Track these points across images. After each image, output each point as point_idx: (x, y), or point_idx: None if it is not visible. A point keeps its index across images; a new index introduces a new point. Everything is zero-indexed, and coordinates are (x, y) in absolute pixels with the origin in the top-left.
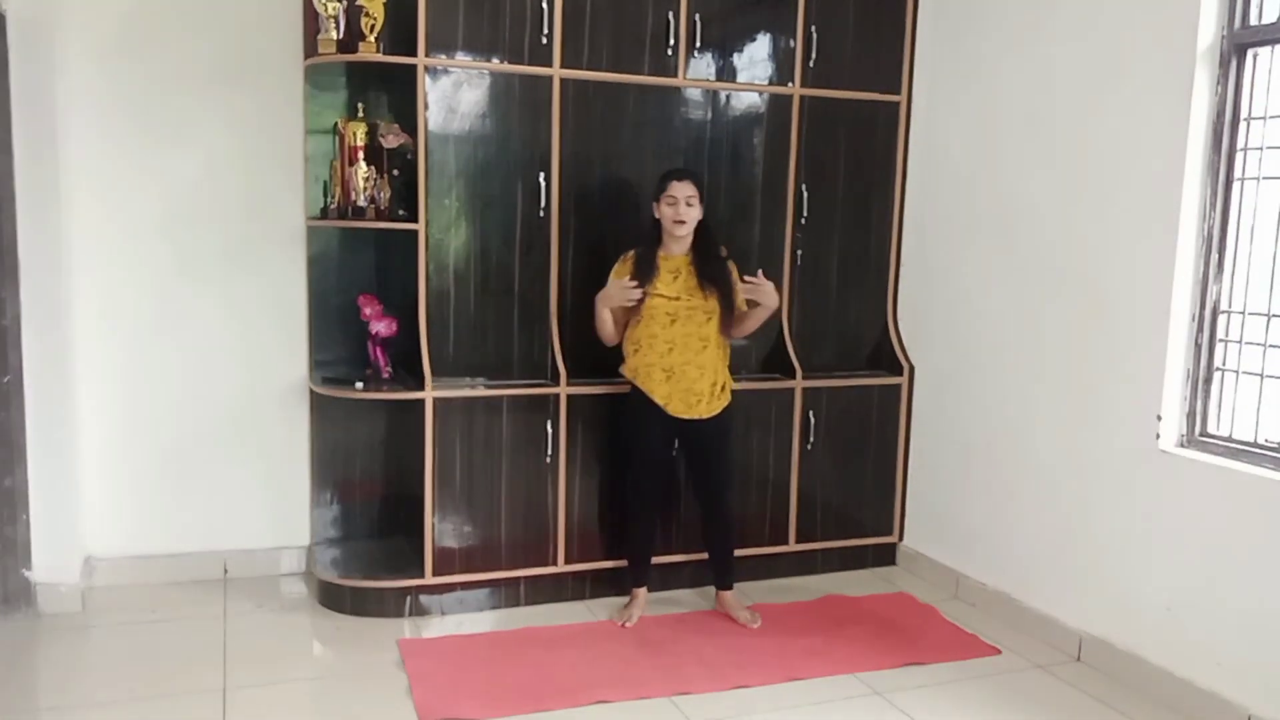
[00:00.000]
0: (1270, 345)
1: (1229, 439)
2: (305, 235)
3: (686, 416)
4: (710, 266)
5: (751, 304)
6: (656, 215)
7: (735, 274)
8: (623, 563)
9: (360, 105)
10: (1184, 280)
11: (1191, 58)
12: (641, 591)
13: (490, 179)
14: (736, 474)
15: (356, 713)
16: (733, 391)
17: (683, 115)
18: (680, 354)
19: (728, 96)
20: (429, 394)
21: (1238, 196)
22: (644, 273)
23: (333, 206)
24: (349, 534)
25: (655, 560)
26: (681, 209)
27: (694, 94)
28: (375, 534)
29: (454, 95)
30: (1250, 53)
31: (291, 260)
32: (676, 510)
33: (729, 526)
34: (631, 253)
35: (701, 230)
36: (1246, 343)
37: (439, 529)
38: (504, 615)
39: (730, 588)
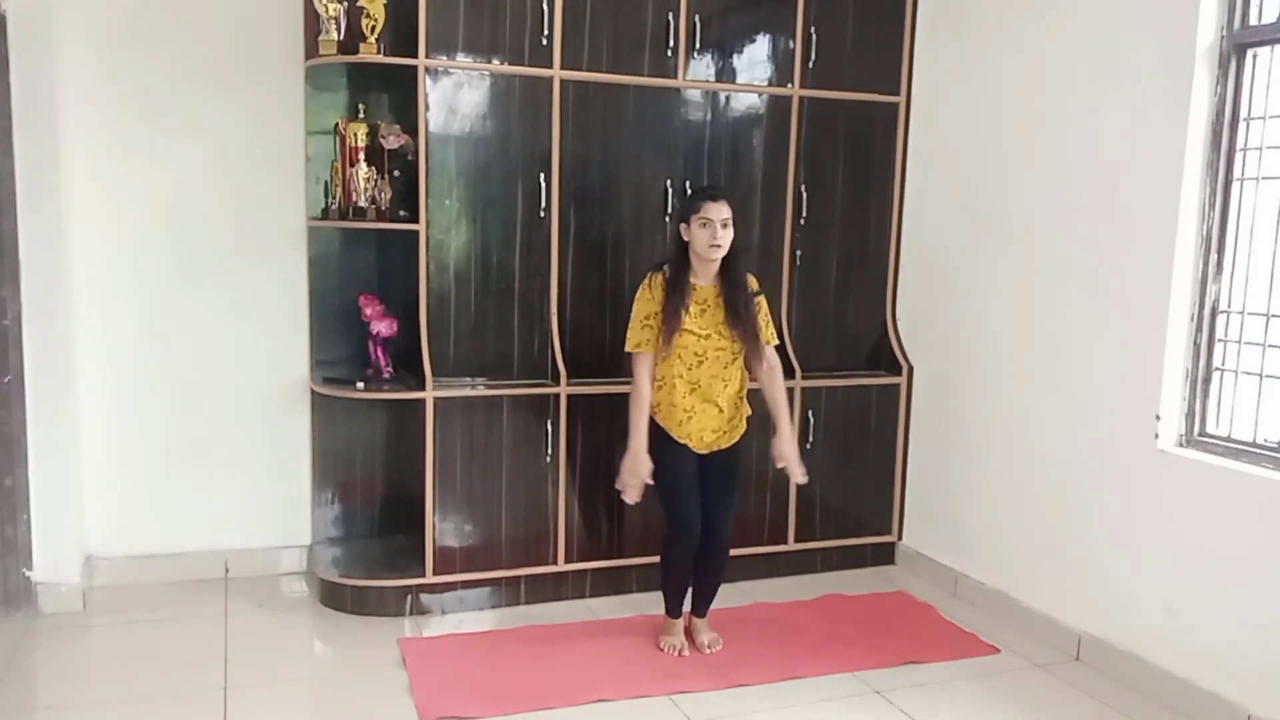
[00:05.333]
0: (1269, 345)
1: (1228, 439)
2: (306, 236)
3: (704, 453)
4: (738, 300)
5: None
6: (685, 237)
7: (765, 309)
8: (622, 561)
9: (361, 106)
10: (1183, 280)
11: (1191, 58)
12: (679, 621)
13: (490, 179)
14: (737, 506)
15: (357, 712)
16: (746, 418)
17: (682, 116)
18: (704, 395)
19: (727, 97)
20: (429, 394)
21: (1237, 196)
22: (676, 302)
23: (334, 207)
24: (350, 533)
25: (654, 559)
26: (718, 232)
27: (694, 95)
28: (376, 533)
29: (454, 96)
30: (1250, 53)
31: (292, 261)
32: None
33: (724, 558)
34: (659, 275)
35: (731, 256)
36: (1245, 343)
37: (439, 528)
38: (504, 614)
39: (704, 616)
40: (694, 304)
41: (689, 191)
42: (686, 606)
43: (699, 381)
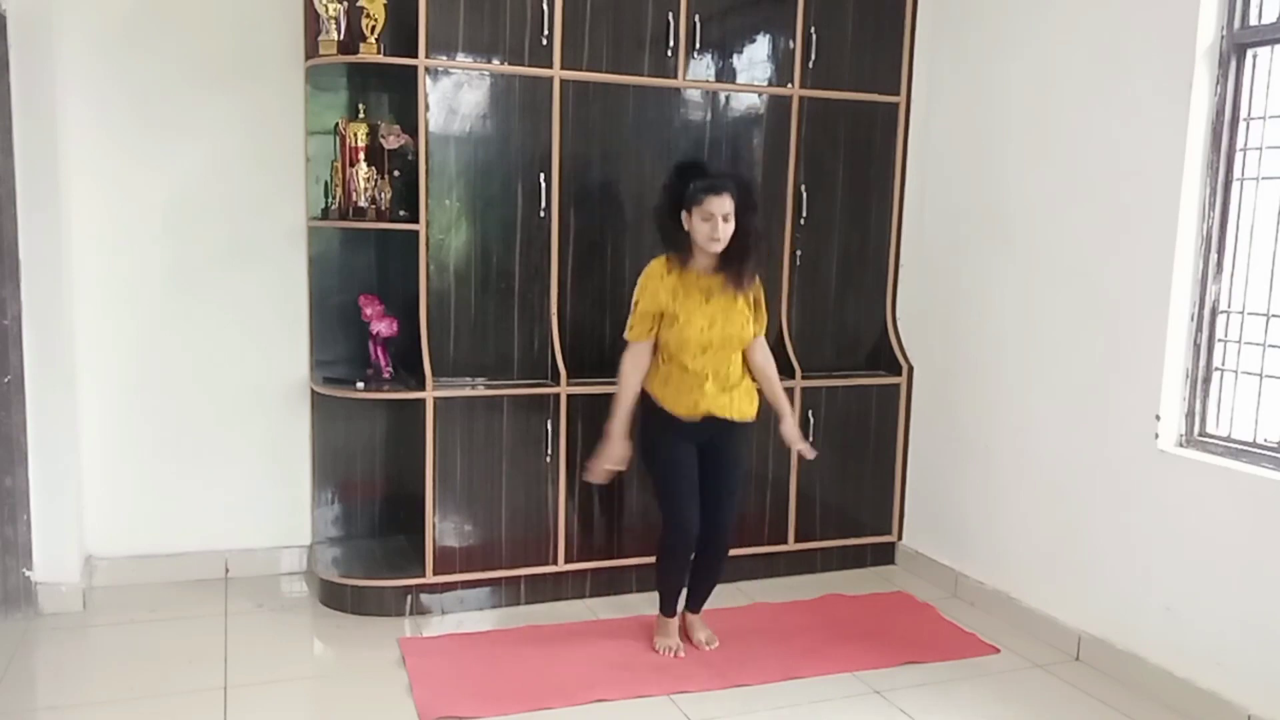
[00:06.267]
0: (1269, 345)
1: (1228, 439)
2: (306, 236)
3: (717, 414)
4: (744, 278)
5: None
6: (685, 226)
7: (761, 301)
8: (622, 562)
9: (361, 106)
10: (1183, 280)
11: (1191, 58)
12: (674, 620)
13: (490, 179)
14: (740, 504)
15: (357, 712)
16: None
17: (682, 116)
18: (712, 382)
19: (727, 97)
20: (429, 394)
21: (1237, 196)
22: (681, 294)
23: (334, 207)
24: (350, 533)
25: (654, 560)
26: (719, 226)
27: (693, 95)
28: (376, 533)
29: (454, 96)
30: (1250, 53)
31: (292, 260)
32: None
33: (724, 556)
34: (665, 258)
35: (735, 239)
36: (1245, 342)
37: (439, 528)
38: (504, 614)
39: (699, 611)
40: (698, 291)
41: (684, 169)
42: (681, 604)
43: (705, 369)
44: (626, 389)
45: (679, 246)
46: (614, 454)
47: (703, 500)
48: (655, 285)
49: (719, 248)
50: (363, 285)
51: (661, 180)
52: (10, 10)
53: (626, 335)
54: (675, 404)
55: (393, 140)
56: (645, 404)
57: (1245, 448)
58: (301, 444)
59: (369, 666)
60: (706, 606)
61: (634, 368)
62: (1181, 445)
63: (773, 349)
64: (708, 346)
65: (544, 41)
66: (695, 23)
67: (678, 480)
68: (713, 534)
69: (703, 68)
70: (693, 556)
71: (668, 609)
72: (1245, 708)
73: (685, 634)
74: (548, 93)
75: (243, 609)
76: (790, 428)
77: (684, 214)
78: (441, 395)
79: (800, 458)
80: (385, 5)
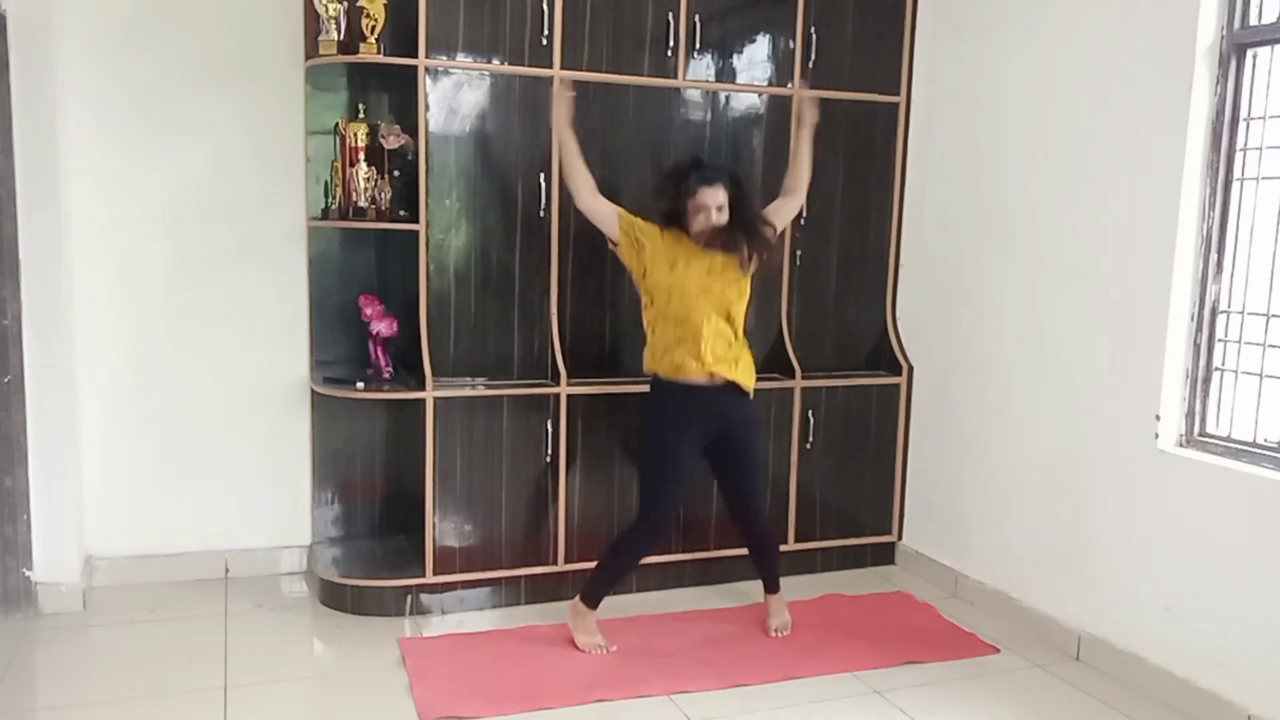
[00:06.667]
0: (1269, 345)
1: (1228, 439)
2: (306, 235)
3: (722, 375)
4: (738, 239)
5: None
6: (679, 208)
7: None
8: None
9: (361, 106)
10: (1183, 280)
11: (1191, 58)
12: (594, 614)
13: (491, 179)
14: (769, 477)
15: (357, 712)
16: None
17: (682, 116)
18: (712, 338)
19: (727, 97)
20: (429, 394)
21: (1237, 196)
22: (681, 244)
23: (334, 207)
24: (350, 533)
25: (655, 560)
26: (713, 216)
27: (693, 95)
28: (376, 533)
29: (454, 96)
30: (1250, 53)
31: (292, 260)
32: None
33: (770, 536)
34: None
35: (736, 218)
36: (1245, 343)
37: (439, 528)
38: (504, 614)
39: (777, 589)
40: (695, 249)
41: (685, 162)
42: (690, 606)
43: (700, 321)
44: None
45: (674, 218)
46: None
47: (731, 500)
48: (648, 223)
49: (722, 219)
50: (363, 285)
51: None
52: (10, 10)
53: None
54: (677, 367)
55: (393, 140)
56: (648, 398)
57: (1245, 448)
58: (301, 444)
59: (369, 666)
60: (707, 606)
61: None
62: (1181, 445)
63: (772, 349)
64: (706, 291)
65: (544, 41)
66: (695, 23)
67: (665, 471)
68: (753, 528)
69: (703, 68)
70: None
71: (594, 598)
72: (1245, 708)
73: (763, 614)
74: (548, 93)
75: (243, 609)
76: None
77: (678, 199)
78: (441, 395)
79: (797, 450)
80: (385, 5)
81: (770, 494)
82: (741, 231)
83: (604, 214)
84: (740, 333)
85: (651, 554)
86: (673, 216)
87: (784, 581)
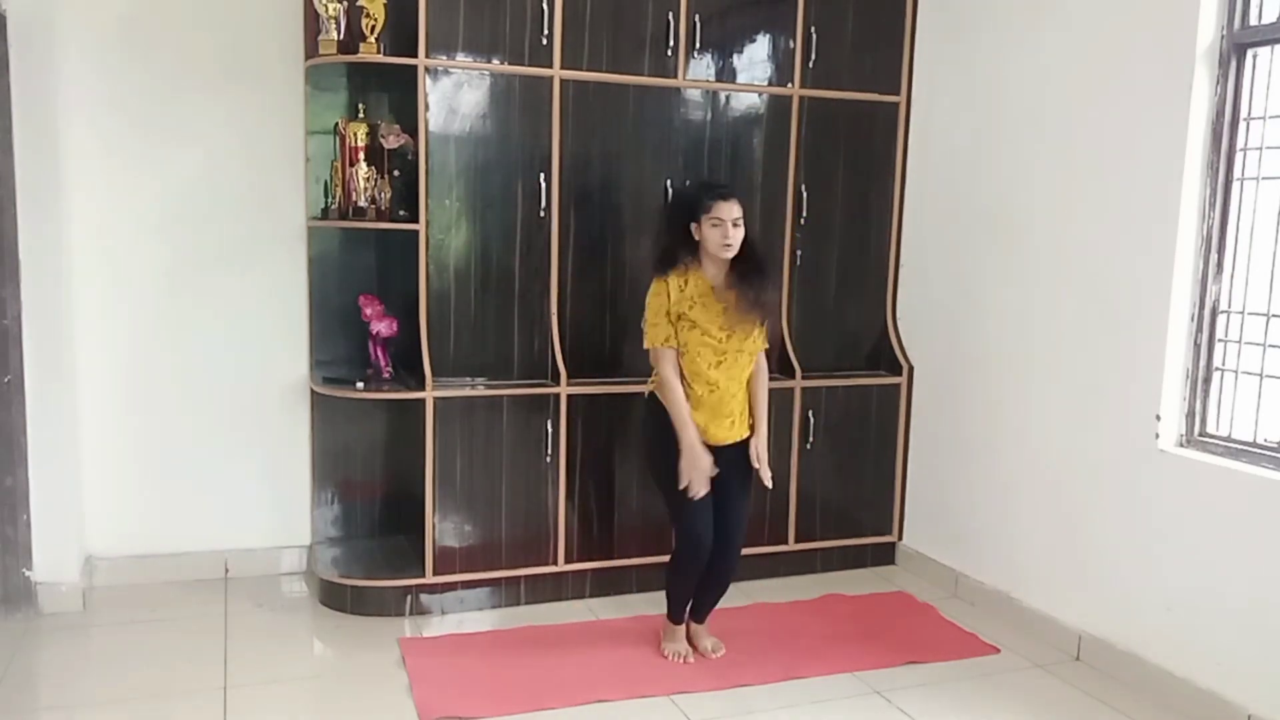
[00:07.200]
0: (1269, 345)
1: (1228, 439)
2: (306, 235)
3: (721, 443)
4: (752, 286)
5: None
6: (695, 236)
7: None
8: (622, 562)
9: (361, 106)
10: (1183, 280)
11: (1191, 58)
12: (683, 627)
13: (490, 179)
14: (749, 512)
15: (357, 712)
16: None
17: (682, 116)
18: (723, 393)
19: (727, 97)
20: (429, 394)
21: (1237, 196)
22: (700, 294)
23: (333, 207)
24: (350, 533)
25: (656, 560)
26: (729, 231)
27: (694, 95)
28: (376, 533)
29: (454, 96)
30: (1250, 53)
31: (292, 260)
32: None
33: (733, 569)
34: (676, 272)
35: (745, 248)
36: (1246, 342)
37: (439, 528)
38: (504, 614)
39: (703, 621)
40: (715, 301)
41: (688, 186)
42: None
43: (718, 382)
44: (677, 394)
45: (688, 255)
46: (703, 464)
47: (715, 514)
48: (665, 288)
49: (731, 253)
50: (363, 285)
51: (662, 180)
52: (10, 10)
53: (647, 343)
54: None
55: (393, 140)
56: (657, 416)
57: (1245, 448)
58: (301, 444)
59: (369, 666)
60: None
61: (673, 371)
62: (1182, 445)
63: (773, 349)
64: (723, 357)
65: (544, 41)
66: (695, 22)
67: (688, 495)
68: (724, 549)
69: (703, 67)
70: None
71: (676, 616)
72: (1245, 708)
73: (691, 641)
74: (548, 93)
75: (243, 609)
76: (759, 446)
77: (693, 225)
78: (441, 395)
79: (797, 451)
80: (385, 5)
81: (770, 494)
82: (766, 290)
83: (674, 354)
84: (745, 387)
85: (701, 565)
86: (675, 253)
87: (784, 582)
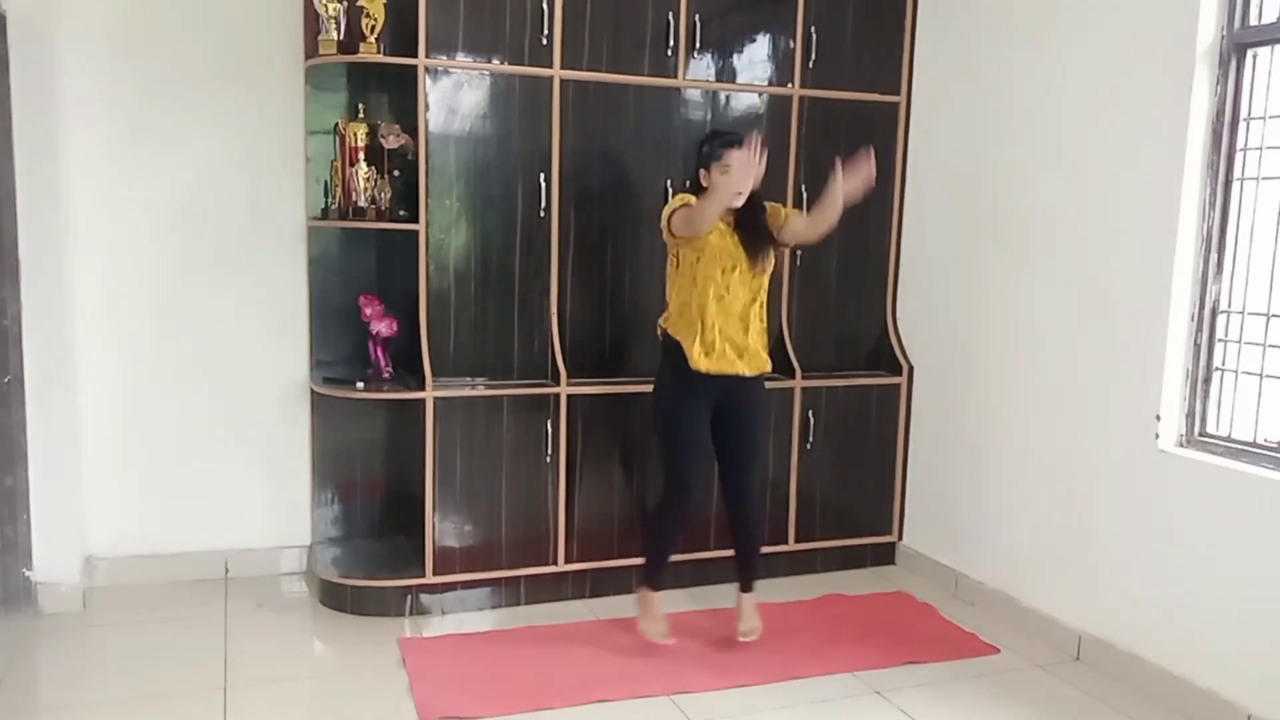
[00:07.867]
0: (1269, 345)
1: (1228, 439)
2: (306, 235)
3: (727, 372)
4: (754, 222)
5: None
6: (704, 183)
7: (780, 208)
8: (622, 562)
9: (361, 106)
10: (1183, 280)
11: (1191, 58)
12: (658, 595)
13: (490, 179)
14: (767, 463)
15: (357, 712)
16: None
17: (682, 116)
18: (730, 307)
19: (727, 97)
20: (429, 394)
21: (1237, 196)
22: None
23: (333, 207)
24: (350, 533)
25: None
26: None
27: (694, 95)
28: (376, 533)
29: (454, 96)
30: (1250, 53)
31: (292, 260)
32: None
33: (758, 522)
34: (685, 194)
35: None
36: (1246, 342)
37: (439, 528)
38: (504, 614)
39: (750, 589)
40: (725, 230)
41: (707, 137)
42: (689, 606)
43: (724, 293)
44: (704, 198)
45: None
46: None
47: (726, 466)
48: (688, 200)
49: (741, 200)
50: (363, 285)
51: (662, 180)
52: (10, 10)
53: (664, 221)
54: (689, 338)
55: (393, 140)
56: (667, 347)
57: (1245, 448)
58: (301, 444)
59: (369, 666)
60: (707, 606)
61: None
62: (1181, 445)
63: (773, 349)
64: (726, 289)
65: (544, 41)
66: (695, 22)
67: (683, 437)
68: (740, 500)
69: (703, 67)
70: (728, 533)
71: (653, 579)
72: (1245, 708)
73: (734, 617)
74: (548, 93)
75: (243, 609)
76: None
77: (702, 171)
78: (441, 395)
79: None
80: (385, 5)
81: (770, 494)
82: (766, 243)
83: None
84: (758, 314)
85: (684, 514)
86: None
87: (784, 582)
